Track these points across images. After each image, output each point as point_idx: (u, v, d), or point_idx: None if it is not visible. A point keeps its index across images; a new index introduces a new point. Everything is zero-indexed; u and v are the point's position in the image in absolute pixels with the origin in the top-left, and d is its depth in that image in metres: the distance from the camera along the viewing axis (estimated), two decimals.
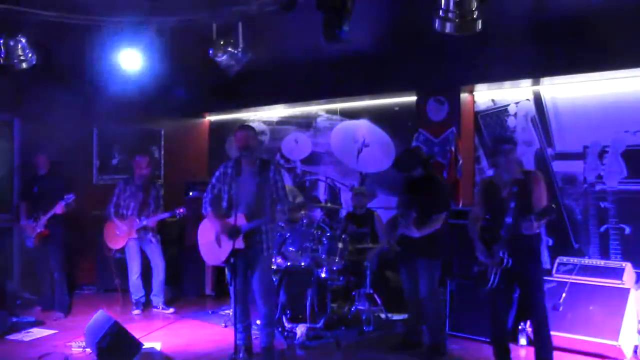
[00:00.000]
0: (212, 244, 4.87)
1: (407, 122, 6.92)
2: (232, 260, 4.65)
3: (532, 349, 5.11)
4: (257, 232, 4.70)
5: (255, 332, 5.10)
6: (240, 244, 4.60)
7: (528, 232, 4.12)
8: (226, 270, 4.97)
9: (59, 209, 6.16)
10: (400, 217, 5.09)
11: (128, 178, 6.71)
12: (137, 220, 6.44)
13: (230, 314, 5.95)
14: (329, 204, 7.60)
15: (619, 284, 4.95)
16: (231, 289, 4.86)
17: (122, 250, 6.61)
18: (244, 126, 4.93)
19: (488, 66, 5.97)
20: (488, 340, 5.29)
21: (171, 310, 6.59)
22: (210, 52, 4.89)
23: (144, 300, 6.66)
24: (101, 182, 8.18)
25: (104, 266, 7.47)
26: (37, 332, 5.69)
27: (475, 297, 5.34)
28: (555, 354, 4.40)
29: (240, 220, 4.60)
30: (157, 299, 6.65)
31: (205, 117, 9.44)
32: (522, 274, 4.31)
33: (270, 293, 4.86)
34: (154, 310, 6.64)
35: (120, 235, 6.48)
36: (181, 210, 6.39)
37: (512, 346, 5.21)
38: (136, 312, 6.54)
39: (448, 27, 3.75)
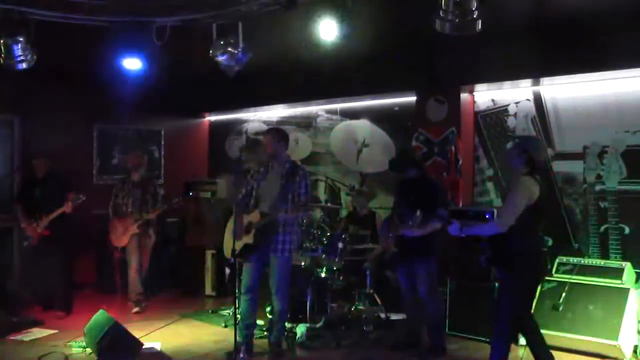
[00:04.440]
0: (230, 238, 4.95)
1: (407, 122, 6.92)
2: (244, 254, 4.82)
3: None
4: (274, 231, 4.80)
5: (257, 331, 5.15)
6: (249, 239, 4.77)
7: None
8: (227, 270, 5.05)
9: (67, 208, 6.18)
10: (397, 217, 5.08)
11: (125, 178, 6.77)
12: (139, 216, 6.49)
13: (230, 313, 5.96)
14: (329, 204, 7.60)
15: (618, 284, 4.95)
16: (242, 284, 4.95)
17: (125, 249, 6.66)
18: (267, 130, 5.15)
19: (488, 66, 5.97)
20: (488, 340, 5.30)
21: (137, 309, 6.58)
22: (210, 52, 4.89)
23: (143, 298, 6.67)
24: (101, 182, 8.19)
25: (104, 266, 7.48)
26: (37, 332, 5.69)
27: (475, 297, 5.37)
28: (555, 354, 4.40)
29: (255, 217, 4.77)
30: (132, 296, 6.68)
31: (205, 117, 9.44)
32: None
33: (286, 291, 4.95)
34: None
35: (124, 233, 6.51)
36: (176, 200, 6.61)
37: (512, 346, 5.22)
38: (136, 309, 6.55)
39: (448, 27, 3.75)
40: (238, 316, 5.01)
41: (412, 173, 5.04)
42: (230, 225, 5.08)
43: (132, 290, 6.64)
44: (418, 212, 4.72)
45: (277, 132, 5.05)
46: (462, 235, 4.22)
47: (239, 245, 4.77)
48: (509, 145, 4.40)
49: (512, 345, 5.21)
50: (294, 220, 4.93)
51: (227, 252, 5.09)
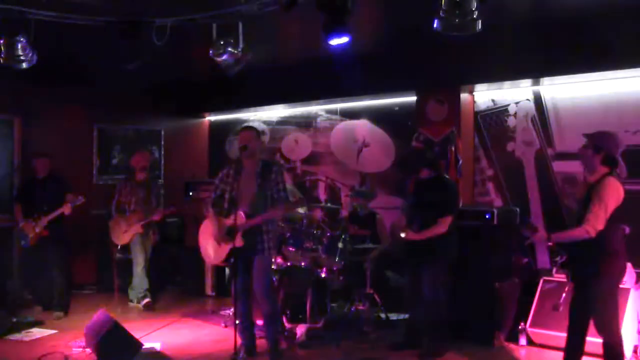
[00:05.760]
0: (212, 243, 4.88)
1: (407, 122, 6.92)
2: (231, 259, 4.66)
3: (532, 349, 5.13)
4: (257, 232, 4.71)
5: (258, 331, 5.13)
6: (239, 242, 4.63)
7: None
8: (227, 270, 4.99)
9: (66, 209, 6.17)
10: (406, 219, 5.08)
11: (128, 176, 6.79)
12: (143, 216, 6.50)
13: (230, 313, 5.95)
14: (329, 204, 7.60)
15: None
16: (232, 288, 4.88)
17: (124, 249, 6.66)
18: (244, 127, 4.97)
19: (488, 66, 5.97)
20: (487, 339, 5.30)
21: (147, 300, 6.68)
22: (210, 52, 4.89)
23: (149, 294, 6.73)
24: (101, 182, 8.19)
25: (104, 266, 7.48)
26: (37, 332, 5.69)
27: (476, 297, 5.36)
28: (555, 353, 4.41)
29: (240, 219, 4.63)
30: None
31: (205, 117, 9.44)
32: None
33: (272, 292, 4.91)
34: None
35: (126, 232, 6.51)
36: (184, 205, 6.67)
37: (512, 346, 5.23)
38: (146, 301, 6.64)
39: (448, 27, 3.74)
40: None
41: (427, 174, 5.02)
42: (204, 230, 4.99)
43: (139, 286, 6.66)
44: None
45: (254, 129, 4.91)
46: (549, 243, 4.06)
47: (226, 249, 4.70)
48: (583, 145, 4.05)
49: (513, 346, 5.24)
50: (275, 219, 4.84)
51: (209, 259, 5.03)
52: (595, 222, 3.81)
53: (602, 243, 3.87)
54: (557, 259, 4.11)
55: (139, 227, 6.49)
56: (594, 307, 4.00)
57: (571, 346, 4.18)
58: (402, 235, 5.02)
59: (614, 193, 3.83)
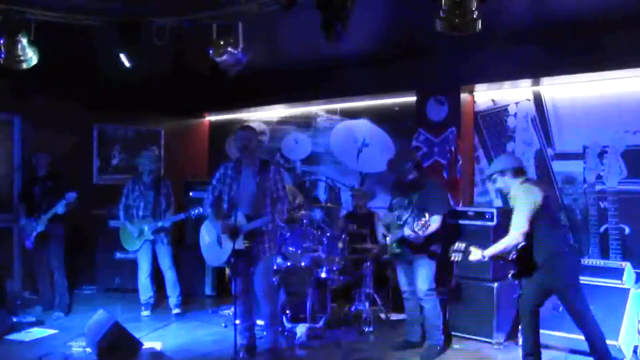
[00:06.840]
0: (213, 244, 4.87)
1: (407, 122, 6.92)
2: (232, 260, 4.65)
3: None
4: (258, 232, 4.71)
5: (258, 331, 5.13)
6: (240, 244, 4.61)
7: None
8: (227, 270, 4.97)
9: (60, 208, 6.13)
10: (396, 218, 5.08)
11: (135, 177, 6.56)
12: (152, 222, 6.35)
13: (230, 313, 5.96)
14: (329, 204, 7.60)
15: (619, 284, 4.95)
16: (233, 289, 4.86)
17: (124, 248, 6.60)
18: (243, 126, 4.95)
19: (488, 66, 5.97)
20: (488, 340, 5.31)
21: (147, 312, 6.46)
22: (210, 52, 4.89)
23: (153, 302, 6.56)
24: (101, 182, 8.19)
25: (104, 266, 7.48)
26: (37, 332, 5.68)
27: (475, 297, 5.36)
28: (555, 353, 4.41)
29: (241, 221, 4.60)
30: (172, 300, 6.47)
31: (205, 117, 9.44)
32: None
33: (272, 293, 4.89)
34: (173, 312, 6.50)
35: (136, 237, 6.42)
36: (197, 210, 6.22)
37: (512, 346, 5.23)
38: (145, 313, 6.44)
39: (448, 27, 3.75)
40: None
41: (413, 174, 5.03)
42: (205, 231, 4.96)
43: (142, 295, 6.50)
44: (426, 216, 4.67)
45: (252, 129, 4.89)
46: (485, 259, 4.30)
47: (227, 251, 4.67)
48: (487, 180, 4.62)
49: (513, 345, 5.24)
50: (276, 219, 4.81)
51: (212, 261, 4.99)
52: (516, 227, 4.06)
53: (548, 244, 4.05)
54: (509, 273, 4.25)
55: (150, 235, 6.38)
56: (567, 308, 4.17)
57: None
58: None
59: (526, 197, 4.08)
